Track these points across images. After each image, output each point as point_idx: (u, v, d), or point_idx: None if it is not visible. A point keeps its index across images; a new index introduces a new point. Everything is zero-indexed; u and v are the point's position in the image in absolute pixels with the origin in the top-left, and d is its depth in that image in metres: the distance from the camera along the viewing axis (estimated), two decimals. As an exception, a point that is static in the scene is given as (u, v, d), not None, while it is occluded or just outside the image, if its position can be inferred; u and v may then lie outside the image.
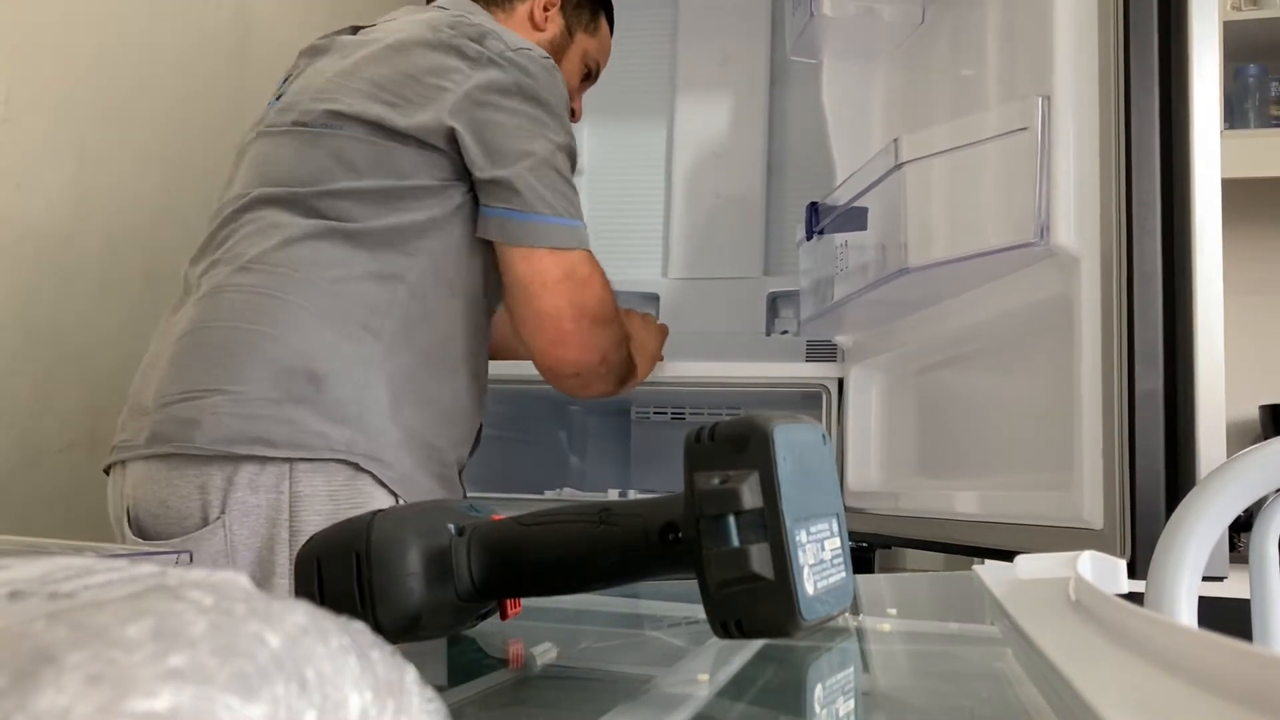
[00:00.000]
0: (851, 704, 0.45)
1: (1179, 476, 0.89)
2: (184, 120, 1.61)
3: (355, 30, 1.25)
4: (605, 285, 1.18)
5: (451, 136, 1.09)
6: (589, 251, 1.16)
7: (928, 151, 1.08)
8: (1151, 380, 0.89)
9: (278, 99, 1.21)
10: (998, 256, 1.02)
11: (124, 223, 1.49)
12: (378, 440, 1.06)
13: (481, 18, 1.20)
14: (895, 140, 1.11)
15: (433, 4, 1.27)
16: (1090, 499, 0.92)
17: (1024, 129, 0.98)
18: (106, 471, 1.14)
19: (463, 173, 1.12)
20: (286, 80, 1.24)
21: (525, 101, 1.12)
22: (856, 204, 1.23)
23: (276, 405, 1.03)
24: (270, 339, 1.05)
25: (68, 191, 1.40)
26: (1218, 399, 0.89)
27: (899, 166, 1.10)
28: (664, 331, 1.48)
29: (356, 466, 1.05)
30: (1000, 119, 1.01)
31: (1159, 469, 0.89)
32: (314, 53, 1.24)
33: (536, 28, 1.33)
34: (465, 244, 1.14)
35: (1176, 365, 0.90)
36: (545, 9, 1.33)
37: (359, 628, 0.23)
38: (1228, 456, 0.81)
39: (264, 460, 1.02)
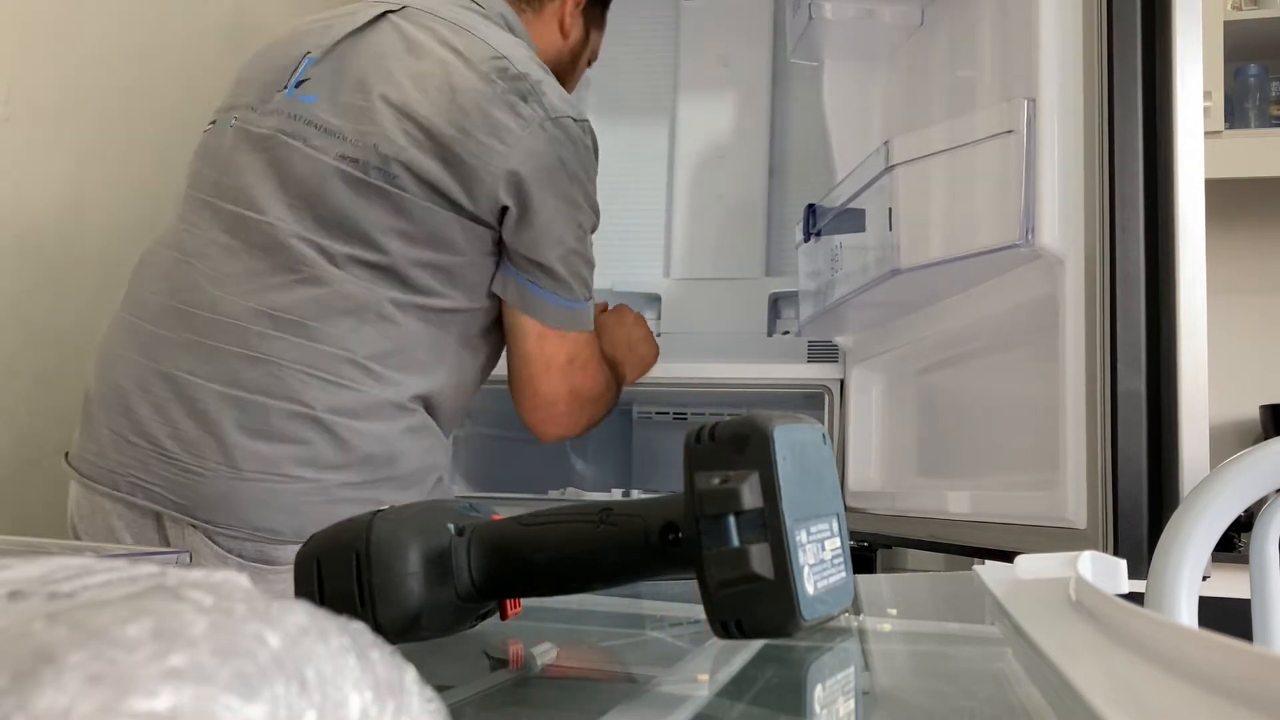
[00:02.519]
0: (851, 704, 0.45)
1: (1162, 477, 0.90)
2: (183, 120, 1.61)
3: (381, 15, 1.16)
4: (601, 366, 1.25)
5: (502, 213, 1.11)
6: (592, 334, 1.22)
7: (918, 154, 1.08)
8: (1134, 381, 0.90)
9: (296, 85, 1.13)
10: (986, 258, 1.02)
11: (124, 223, 1.49)
12: None
13: (514, 50, 1.16)
14: (886, 143, 1.11)
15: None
16: (1074, 499, 0.92)
17: (1010, 131, 0.98)
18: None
19: (497, 239, 1.13)
20: (305, 60, 1.15)
21: (568, 181, 1.13)
22: (851, 206, 1.24)
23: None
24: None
25: (67, 191, 1.40)
26: (1201, 400, 0.89)
27: (890, 169, 1.11)
28: (655, 348, 1.51)
29: None
30: (987, 121, 1.02)
31: (1141, 469, 0.89)
32: (349, 36, 1.15)
33: (564, 33, 1.33)
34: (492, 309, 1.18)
35: (1160, 366, 0.90)
36: (571, 14, 1.33)
37: (359, 628, 0.23)
38: (1224, 457, 0.81)
39: None
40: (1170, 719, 0.30)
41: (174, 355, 1.08)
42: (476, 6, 1.21)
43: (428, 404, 1.14)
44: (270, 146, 1.12)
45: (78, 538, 1.13)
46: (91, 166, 1.44)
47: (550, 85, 1.15)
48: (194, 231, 1.13)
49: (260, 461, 1.04)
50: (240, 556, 1.05)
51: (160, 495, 1.06)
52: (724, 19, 2.01)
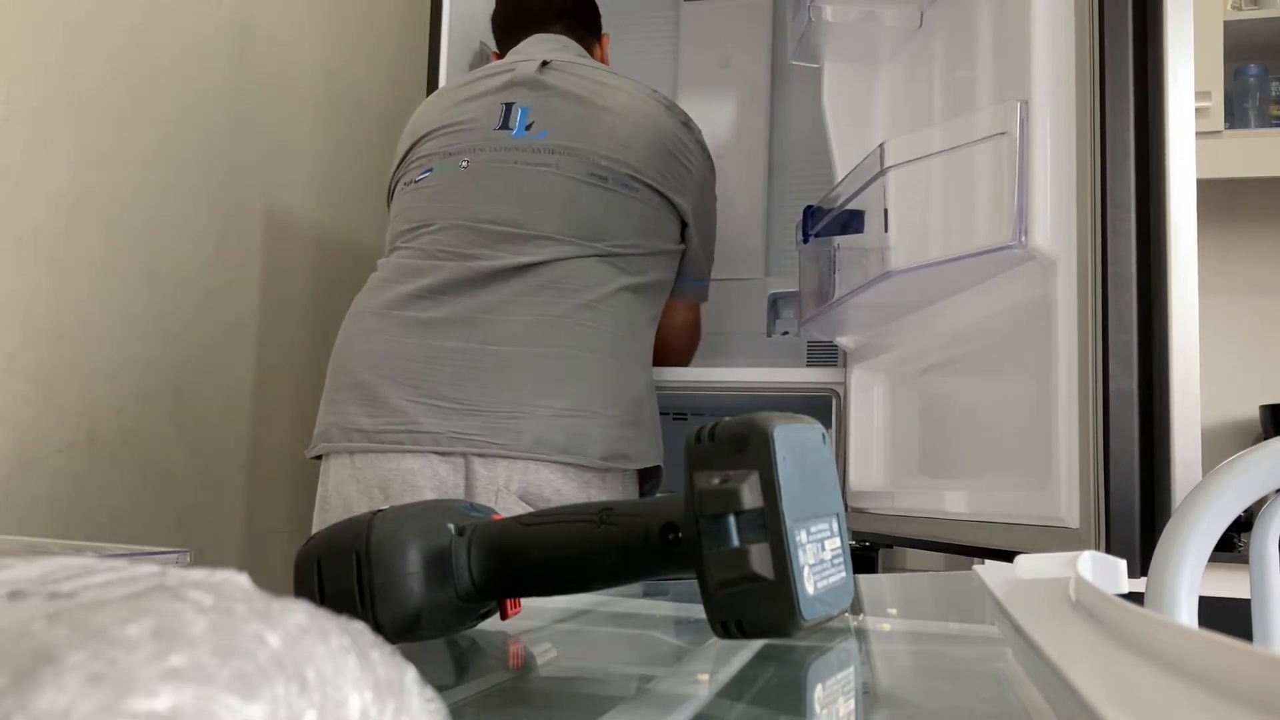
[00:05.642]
0: (851, 704, 0.45)
1: (1154, 476, 0.90)
2: (184, 120, 1.61)
3: (544, 64, 1.39)
4: None
5: (685, 215, 1.41)
6: None
7: (912, 156, 1.08)
8: (1125, 381, 0.90)
9: (526, 129, 1.34)
10: (980, 259, 1.02)
11: (124, 223, 1.49)
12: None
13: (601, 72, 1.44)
14: (881, 145, 1.11)
15: (543, 35, 1.47)
16: (1067, 498, 0.92)
17: (1003, 133, 0.98)
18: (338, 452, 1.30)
19: (679, 238, 1.43)
20: (510, 107, 1.36)
21: (712, 186, 1.47)
22: (849, 207, 1.24)
23: (632, 427, 1.29)
24: (624, 371, 1.30)
25: (68, 191, 1.40)
26: (1192, 399, 0.89)
27: (884, 171, 1.11)
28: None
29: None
30: (981, 123, 1.02)
31: (1133, 468, 0.89)
32: (535, 85, 1.37)
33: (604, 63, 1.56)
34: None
35: (1152, 366, 0.90)
36: (607, 50, 1.61)
37: (359, 628, 0.23)
38: (1225, 457, 0.81)
39: (624, 471, 1.28)
40: (1170, 719, 0.30)
41: None
42: (588, 54, 1.49)
43: None
44: (520, 173, 1.32)
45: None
46: (91, 166, 1.44)
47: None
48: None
49: None
50: None
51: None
52: (724, 19, 2.01)
